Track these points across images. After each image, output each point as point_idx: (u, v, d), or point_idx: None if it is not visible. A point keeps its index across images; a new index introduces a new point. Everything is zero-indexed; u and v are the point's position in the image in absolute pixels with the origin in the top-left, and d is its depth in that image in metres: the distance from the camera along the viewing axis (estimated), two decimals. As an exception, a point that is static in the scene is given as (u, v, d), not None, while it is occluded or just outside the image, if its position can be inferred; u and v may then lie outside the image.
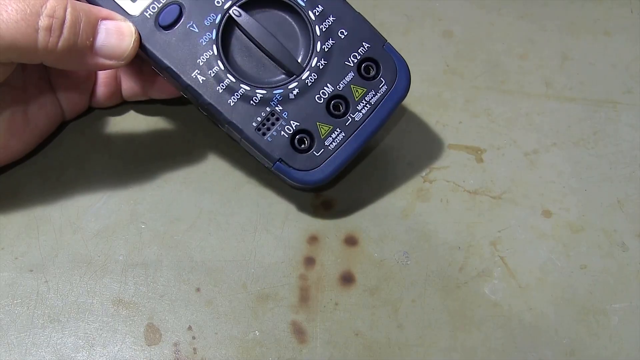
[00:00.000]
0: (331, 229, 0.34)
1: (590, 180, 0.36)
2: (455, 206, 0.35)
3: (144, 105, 0.36)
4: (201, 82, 0.30)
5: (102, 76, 0.35)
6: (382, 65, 0.32)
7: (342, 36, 0.31)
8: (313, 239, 0.33)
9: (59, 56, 0.28)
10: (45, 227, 0.32)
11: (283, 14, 0.31)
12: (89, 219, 0.33)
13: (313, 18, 0.31)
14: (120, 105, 0.36)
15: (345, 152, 0.31)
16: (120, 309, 0.31)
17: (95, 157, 0.35)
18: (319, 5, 0.31)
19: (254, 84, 0.30)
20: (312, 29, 0.31)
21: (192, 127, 0.36)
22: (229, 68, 0.30)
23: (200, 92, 0.30)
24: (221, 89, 0.30)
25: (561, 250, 0.33)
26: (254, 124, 0.30)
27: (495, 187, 0.35)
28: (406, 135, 0.37)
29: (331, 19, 0.31)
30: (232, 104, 0.30)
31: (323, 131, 0.31)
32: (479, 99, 0.39)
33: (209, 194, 0.34)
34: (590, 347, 0.31)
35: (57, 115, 0.34)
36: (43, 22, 0.27)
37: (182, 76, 0.30)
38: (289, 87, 0.31)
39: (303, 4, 0.31)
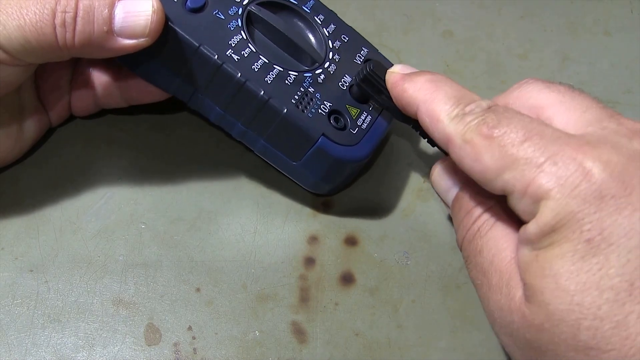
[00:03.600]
0: (331, 229, 0.34)
1: (590, 180, 0.36)
2: (455, 206, 0.35)
3: (144, 106, 0.36)
4: (236, 60, 0.30)
5: (75, 85, 0.34)
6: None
7: (345, 40, 0.34)
8: (313, 239, 0.33)
9: (80, 49, 0.28)
10: (45, 227, 0.32)
11: (291, 17, 0.34)
12: (89, 219, 0.33)
13: (319, 22, 0.34)
14: (102, 113, 0.36)
15: (377, 132, 0.33)
16: (120, 309, 0.31)
17: (95, 157, 0.35)
18: (321, 15, 0.34)
19: (285, 67, 0.31)
20: (320, 31, 0.33)
21: (193, 127, 0.36)
22: (259, 51, 0.31)
23: (236, 70, 0.29)
24: (256, 67, 0.30)
25: (561, 250, 0.33)
26: (292, 100, 0.30)
27: (495, 187, 0.35)
28: (406, 135, 0.37)
29: (333, 26, 0.34)
30: (269, 82, 0.30)
31: (353, 113, 0.32)
32: (479, 99, 0.38)
33: (209, 194, 0.34)
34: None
35: (45, 121, 0.34)
36: (58, 18, 0.27)
37: (215, 55, 0.29)
38: (316, 72, 0.32)
39: (308, 11, 0.34)
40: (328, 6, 0.35)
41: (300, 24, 0.34)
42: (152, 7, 0.28)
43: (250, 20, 0.32)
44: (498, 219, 0.26)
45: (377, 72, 0.31)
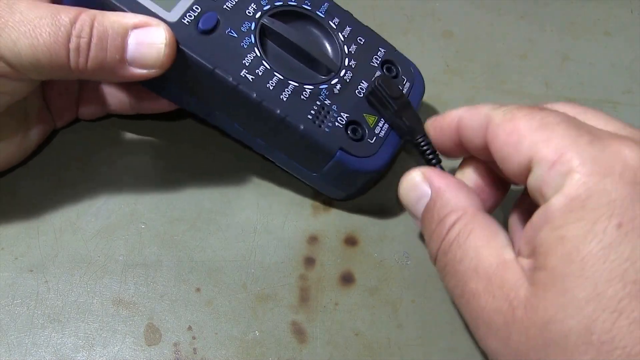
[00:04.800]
0: (331, 229, 0.34)
1: (590, 180, 0.36)
2: (455, 206, 0.35)
3: (144, 105, 0.36)
4: (251, 80, 0.30)
5: (85, 90, 0.34)
6: (399, 66, 0.34)
7: (361, 42, 0.34)
8: (313, 239, 0.33)
9: (92, 73, 0.28)
10: (45, 227, 0.32)
11: (305, 25, 0.33)
12: (89, 219, 0.33)
13: (334, 27, 0.33)
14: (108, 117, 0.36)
15: (395, 139, 0.32)
16: (120, 309, 0.31)
17: (95, 157, 0.35)
18: (336, 18, 0.34)
19: (300, 81, 0.31)
20: (336, 36, 0.33)
21: (192, 128, 0.36)
22: (274, 68, 0.30)
23: (251, 91, 0.29)
24: (271, 86, 0.30)
25: (561, 250, 0.33)
26: (309, 116, 0.30)
27: (495, 187, 0.35)
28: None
29: (348, 28, 0.34)
30: (284, 100, 0.30)
31: (370, 121, 0.32)
32: (479, 99, 0.39)
33: (209, 194, 0.34)
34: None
35: (50, 124, 0.34)
36: (73, 43, 0.27)
37: (230, 77, 0.29)
38: (332, 82, 0.32)
39: (323, 16, 0.33)
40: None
41: (315, 31, 0.33)
42: (165, 39, 0.28)
43: (264, 33, 0.31)
44: (475, 225, 0.25)
45: (385, 86, 0.31)
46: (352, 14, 0.34)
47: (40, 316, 0.30)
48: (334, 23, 0.33)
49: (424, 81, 0.35)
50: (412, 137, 0.32)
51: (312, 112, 0.30)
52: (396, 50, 0.35)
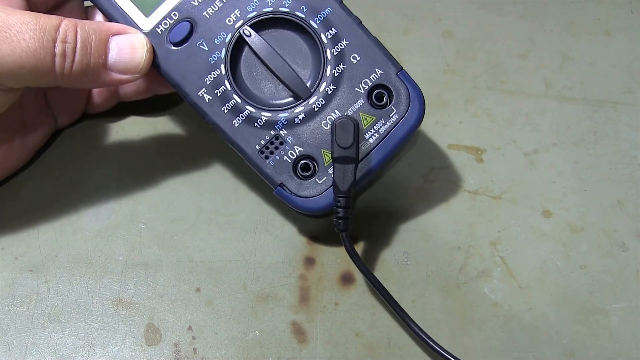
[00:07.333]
0: (331, 229, 0.33)
1: (590, 180, 0.36)
2: (455, 206, 0.35)
3: (144, 106, 0.36)
4: (207, 101, 0.30)
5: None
6: (394, 92, 0.30)
7: (354, 61, 0.30)
8: (313, 239, 0.33)
9: (75, 78, 0.28)
10: (45, 227, 0.32)
11: (295, 35, 0.31)
12: (89, 219, 0.33)
13: (325, 41, 0.30)
14: (116, 107, 0.36)
15: None
16: (120, 309, 0.31)
17: (95, 157, 0.35)
18: (333, 28, 0.30)
19: (260, 106, 0.30)
20: (323, 52, 0.30)
21: (192, 128, 0.36)
22: (235, 88, 0.30)
23: (205, 111, 0.30)
24: (226, 109, 0.30)
25: (561, 250, 0.33)
26: (257, 146, 0.30)
27: (495, 187, 0.35)
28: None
29: (344, 42, 0.30)
30: (236, 125, 0.30)
31: (327, 159, 0.30)
32: (479, 99, 0.38)
33: (209, 194, 0.34)
34: (590, 347, 0.31)
35: (51, 127, 0.34)
36: (58, 48, 0.27)
37: (189, 94, 0.30)
38: (295, 111, 0.30)
39: (316, 26, 0.30)
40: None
41: (303, 44, 0.31)
42: (146, 45, 0.29)
43: (243, 42, 0.30)
44: None
45: (339, 130, 0.29)
46: (360, 22, 0.31)
47: (40, 316, 0.30)
48: (328, 35, 0.30)
49: (422, 112, 0.31)
50: (333, 191, 0.29)
51: (262, 142, 0.30)
52: (400, 71, 0.30)
